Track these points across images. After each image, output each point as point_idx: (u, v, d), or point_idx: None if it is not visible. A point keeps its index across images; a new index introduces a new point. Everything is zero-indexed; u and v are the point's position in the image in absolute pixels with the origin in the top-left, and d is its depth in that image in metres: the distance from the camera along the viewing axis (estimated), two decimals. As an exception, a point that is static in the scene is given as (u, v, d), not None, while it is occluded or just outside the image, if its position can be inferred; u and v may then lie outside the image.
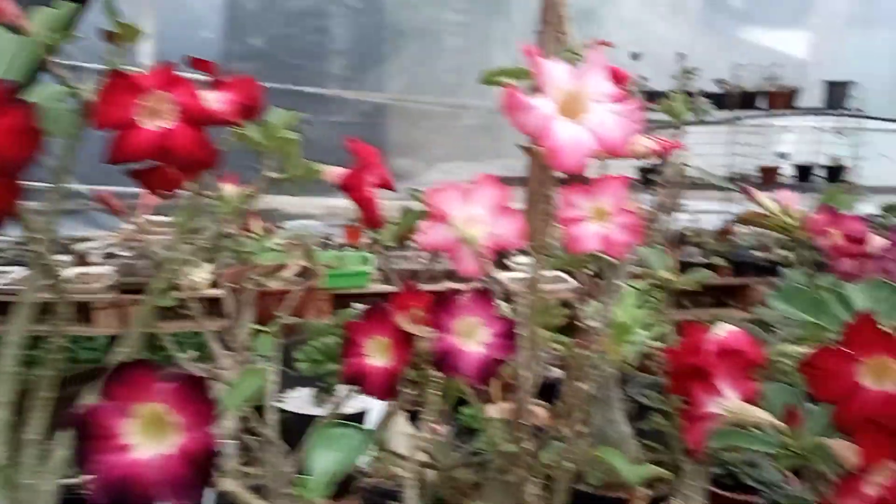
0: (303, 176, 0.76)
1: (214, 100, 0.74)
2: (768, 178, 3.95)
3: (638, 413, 1.82)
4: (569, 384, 0.92)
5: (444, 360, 0.58)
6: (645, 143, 0.67)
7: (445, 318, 0.60)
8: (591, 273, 1.11)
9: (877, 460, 0.59)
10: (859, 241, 0.83)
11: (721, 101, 3.83)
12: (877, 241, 0.86)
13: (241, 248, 1.44)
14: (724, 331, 0.86)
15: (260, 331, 1.41)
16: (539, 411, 1.76)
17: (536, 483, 0.84)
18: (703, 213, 4.01)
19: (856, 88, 3.87)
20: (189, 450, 0.42)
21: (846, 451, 0.62)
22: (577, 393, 0.87)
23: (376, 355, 0.61)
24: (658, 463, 1.41)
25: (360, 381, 0.61)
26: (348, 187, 0.74)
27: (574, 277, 2.87)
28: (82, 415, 0.43)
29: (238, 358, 1.46)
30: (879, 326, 0.60)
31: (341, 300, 2.89)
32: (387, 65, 4.28)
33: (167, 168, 0.72)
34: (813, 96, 3.99)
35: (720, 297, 3.57)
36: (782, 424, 0.68)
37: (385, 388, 0.59)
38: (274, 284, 2.23)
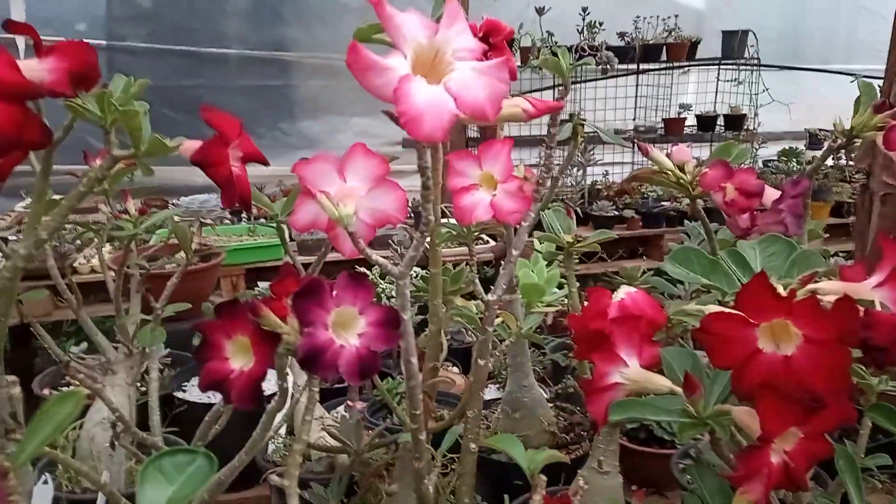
0: (151, 152, 0.67)
1: (35, 68, 0.63)
2: (672, 129, 4.03)
3: (553, 373, 1.82)
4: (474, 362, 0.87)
5: (315, 360, 0.52)
6: (521, 104, 0.61)
7: (314, 309, 0.53)
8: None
9: (779, 428, 0.57)
10: (753, 194, 0.81)
11: (624, 54, 3.85)
12: (770, 194, 0.84)
13: (118, 231, 1.32)
14: (625, 293, 0.83)
15: (146, 320, 1.30)
16: (457, 379, 1.73)
17: (437, 469, 0.79)
18: (613, 166, 4.06)
19: (751, 37, 3.97)
20: None
21: (749, 418, 0.60)
22: (480, 371, 0.83)
23: (238, 357, 0.54)
24: (573, 425, 1.41)
25: (221, 387, 0.53)
26: (205, 164, 0.65)
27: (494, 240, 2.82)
28: None
29: (125, 350, 1.35)
30: (774, 288, 0.57)
31: (258, 274, 2.79)
32: (287, 25, 4.08)
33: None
34: (710, 46, 4.07)
35: (634, 248, 3.64)
36: (682, 392, 0.65)
37: (248, 394, 0.52)
38: (170, 266, 2.09)
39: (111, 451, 0.98)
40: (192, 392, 1.63)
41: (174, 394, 1.59)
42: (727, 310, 0.60)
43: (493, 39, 0.66)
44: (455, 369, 1.75)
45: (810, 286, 0.66)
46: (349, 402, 1.38)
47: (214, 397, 1.58)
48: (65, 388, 1.66)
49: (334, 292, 0.54)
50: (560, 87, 0.78)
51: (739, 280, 0.70)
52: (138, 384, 1.37)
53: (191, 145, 0.70)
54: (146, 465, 0.45)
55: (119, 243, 1.40)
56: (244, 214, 3.29)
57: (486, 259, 2.97)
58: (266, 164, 0.76)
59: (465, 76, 0.47)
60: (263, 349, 0.52)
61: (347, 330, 0.54)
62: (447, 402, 1.43)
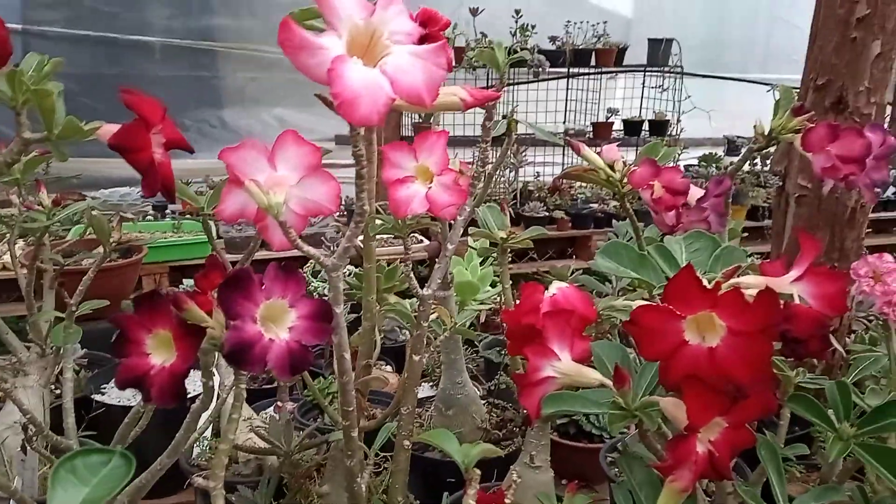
0: (65, 135, 0.62)
1: (-66, 42, 0.59)
2: (600, 133, 4.13)
3: (486, 371, 1.83)
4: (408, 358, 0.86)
5: (242, 354, 0.49)
6: (458, 93, 0.60)
7: (241, 301, 0.50)
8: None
9: (704, 418, 0.58)
10: (679, 192, 0.84)
11: (556, 58, 3.93)
12: (695, 192, 0.86)
13: (30, 223, 1.24)
14: (556, 289, 0.84)
15: (61, 318, 1.23)
16: (390, 378, 1.72)
17: (369, 467, 0.78)
18: (544, 167, 4.14)
19: (675, 45, 4.12)
20: None
21: (675, 409, 0.61)
22: (414, 367, 0.82)
23: (158, 352, 0.51)
24: (506, 421, 1.42)
25: (140, 384, 0.50)
26: (124, 149, 0.62)
27: (429, 239, 2.81)
28: None
29: (37, 350, 1.27)
30: (700, 281, 0.58)
31: (183, 272, 2.69)
32: (215, 14, 3.96)
33: None
34: (637, 53, 4.20)
35: (563, 249, 3.72)
36: (612, 384, 0.67)
37: (170, 391, 0.50)
38: (89, 263, 1.98)
39: (23, 456, 0.92)
40: (110, 394, 1.55)
41: (91, 396, 1.51)
42: (655, 303, 0.61)
43: (429, 29, 0.65)
44: (388, 368, 1.73)
45: (733, 280, 0.68)
46: (279, 403, 1.35)
47: (135, 400, 1.50)
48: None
49: (263, 284, 0.52)
50: (494, 88, 0.78)
51: (666, 274, 0.72)
52: (53, 386, 1.30)
53: (109, 129, 0.66)
54: (57, 466, 0.41)
55: (32, 238, 1.32)
56: (168, 210, 3.17)
57: (419, 258, 2.97)
58: (190, 150, 0.73)
59: (403, 60, 0.46)
60: (186, 344, 0.50)
61: (277, 323, 0.53)
62: (380, 401, 1.41)
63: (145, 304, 0.51)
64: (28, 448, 0.89)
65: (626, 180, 0.91)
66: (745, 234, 3.43)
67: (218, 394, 0.88)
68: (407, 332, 1.95)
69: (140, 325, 0.51)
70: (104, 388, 1.57)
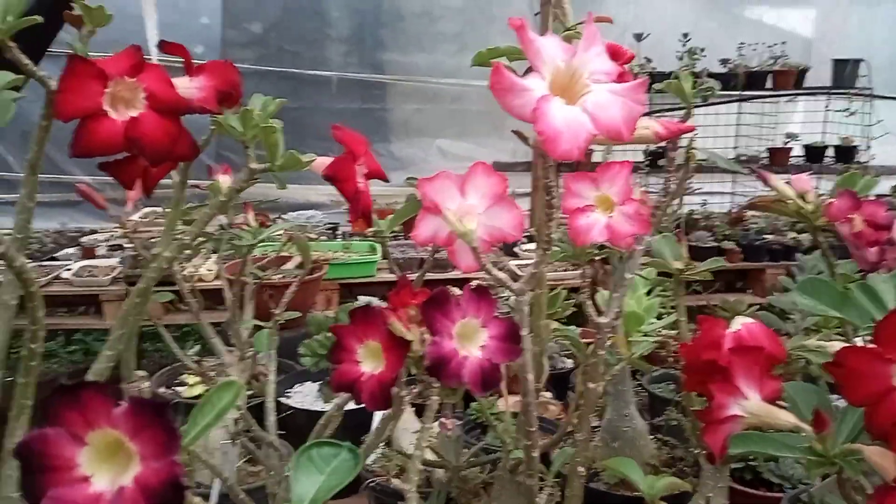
0: (286, 166, 0.71)
1: (187, 86, 0.69)
2: (777, 159, 3.87)
3: (651, 405, 1.77)
4: (582, 384, 0.87)
5: (441, 368, 0.53)
6: (651, 126, 0.61)
7: (441, 319, 0.54)
8: (601, 261, 1.05)
9: (917, 470, 0.54)
10: (883, 227, 0.77)
11: (727, 81, 3.75)
12: (901, 227, 0.80)
13: (238, 240, 1.40)
14: (740, 324, 0.80)
15: (260, 326, 1.37)
16: (551, 406, 1.71)
17: (546, 486, 0.79)
18: (711, 195, 3.94)
19: (863, 66, 3.78)
20: (149, 482, 0.37)
21: (882, 458, 0.57)
22: (590, 394, 0.82)
23: (368, 361, 0.56)
24: (676, 459, 1.37)
25: (352, 389, 0.56)
26: (335, 178, 0.69)
27: (581, 266, 2.80)
28: (28, 443, 0.38)
29: (238, 353, 1.42)
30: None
31: (350, 289, 2.86)
32: (387, 50, 4.22)
33: (139, 160, 0.67)
34: (818, 75, 3.90)
35: (731, 281, 3.51)
36: (809, 428, 0.63)
37: (379, 397, 0.54)
38: (276, 277, 2.18)
39: (227, 449, 1.03)
40: (294, 398, 1.69)
41: (278, 399, 1.66)
42: (862, 344, 0.58)
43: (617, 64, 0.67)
44: (548, 394, 1.73)
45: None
46: (443, 420, 1.39)
47: (315, 405, 1.63)
48: (178, 387, 1.76)
49: (459, 304, 0.56)
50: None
51: (872, 315, 0.67)
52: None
53: (322, 161, 0.74)
54: (298, 454, 0.47)
55: (234, 253, 1.49)
56: (339, 231, 3.40)
57: (574, 285, 2.94)
58: (385, 180, 0.80)
59: (602, 97, 0.48)
60: (395, 355, 0.54)
61: (470, 341, 0.56)
62: (541, 427, 1.42)
63: (360, 316, 0.56)
64: (234, 441, 1.00)
65: (819, 212, 0.86)
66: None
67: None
68: (566, 360, 1.94)
69: (353, 335, 0.56)
70: (288, 393, 1.72)
